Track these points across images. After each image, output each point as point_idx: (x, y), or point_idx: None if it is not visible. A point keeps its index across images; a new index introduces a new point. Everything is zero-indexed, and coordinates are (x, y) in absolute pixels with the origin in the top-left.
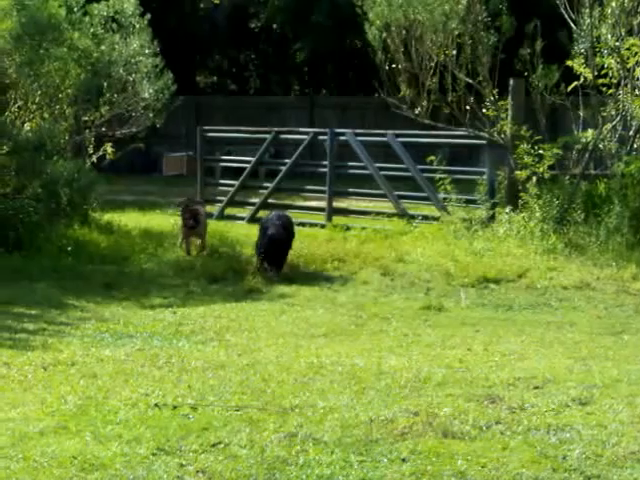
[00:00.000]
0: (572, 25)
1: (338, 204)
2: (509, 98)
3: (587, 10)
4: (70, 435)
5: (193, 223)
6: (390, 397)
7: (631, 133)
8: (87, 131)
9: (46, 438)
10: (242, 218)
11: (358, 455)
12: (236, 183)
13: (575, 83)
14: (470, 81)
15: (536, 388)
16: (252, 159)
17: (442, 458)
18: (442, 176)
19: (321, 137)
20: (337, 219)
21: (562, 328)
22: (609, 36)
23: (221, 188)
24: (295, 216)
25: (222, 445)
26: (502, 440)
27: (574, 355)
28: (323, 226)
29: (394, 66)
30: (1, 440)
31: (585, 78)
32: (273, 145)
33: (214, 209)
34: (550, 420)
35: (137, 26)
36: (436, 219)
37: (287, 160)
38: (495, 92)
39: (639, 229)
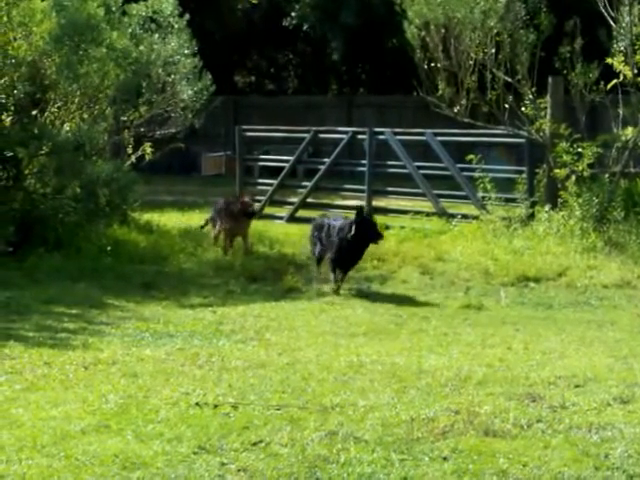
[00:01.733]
0: (611, 23)
1: (377, 203)
2: (548, 96)
3: (627, 8)
4: (111, 434)
5: (252, 210)
6: (431, 396)
7: None
8: (126, 131)
9: (88, 437)
10: (281, 217)
11: (399, 454)
12: (274, 182)
13: (615, 81)
14: (509, 79)
15: (577, 387)
16: (290, 158)
17: (483, 457)
18: (481, 175)
19: (360, 136)
20: (376, 218)
21: (602, 327)
22: None
23: (260, 187)
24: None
25: (263, 444)
26: (543, 439)
27: (615, 354)
28: None
29: (433, 65)
30: (43, 439)
31: (625, 76)
32: (311, 144)
33: None
34: (592, 419)
35: (176, 26)
36: (475, 218)
37: (325, 159)
38: (534, 90)
39: None
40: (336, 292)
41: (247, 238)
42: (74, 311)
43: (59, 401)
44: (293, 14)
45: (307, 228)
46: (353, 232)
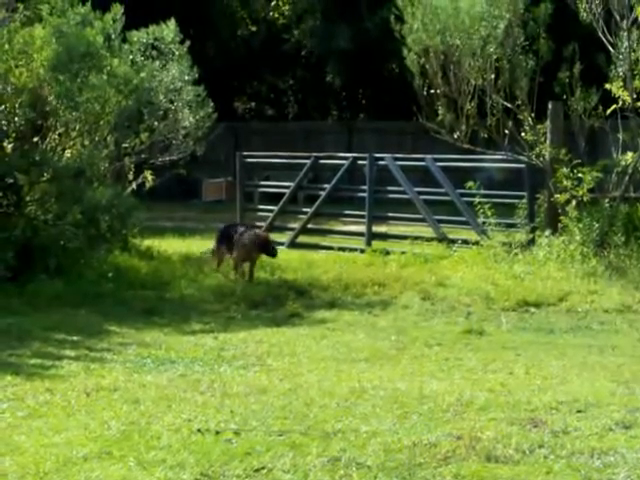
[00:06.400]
0: (610, 48)
1: (377, 228)
2: (548, 121)
3: (625, 33)
4: (114, 460)
5: (273, 250)
6: (433, 421)
7: None
8: (127, 158)
9: (90, 463)
10: (282, 243)
11: (401, 479)
12: (275, 208)
13: (614, 106)
14: (508, 105)
15: (579, 412)
16: (291, 184)
17: None
18: (482, 200)
19: (360, 162)
20: (376, 244)
21: (604, 351)
22: None
23: (260, 213)
24: (334, 241)
25: (265, 470)
26: (546, 464)
27: (617, 378)
28: (362, 251)
29: (432, 91)
30: (45, 465)
31: (624, 101)
32: (311, 170)
33: None
34: (594, 444)
35: (177, 53)
36: (476, 243)
37: (325, 185)
38: (533, 116)
39: None
40: None
41: (254, 266)
42: (75, 337)
43: (61, 428)
44: (291, 40)
45: (308, 254)
46: None
